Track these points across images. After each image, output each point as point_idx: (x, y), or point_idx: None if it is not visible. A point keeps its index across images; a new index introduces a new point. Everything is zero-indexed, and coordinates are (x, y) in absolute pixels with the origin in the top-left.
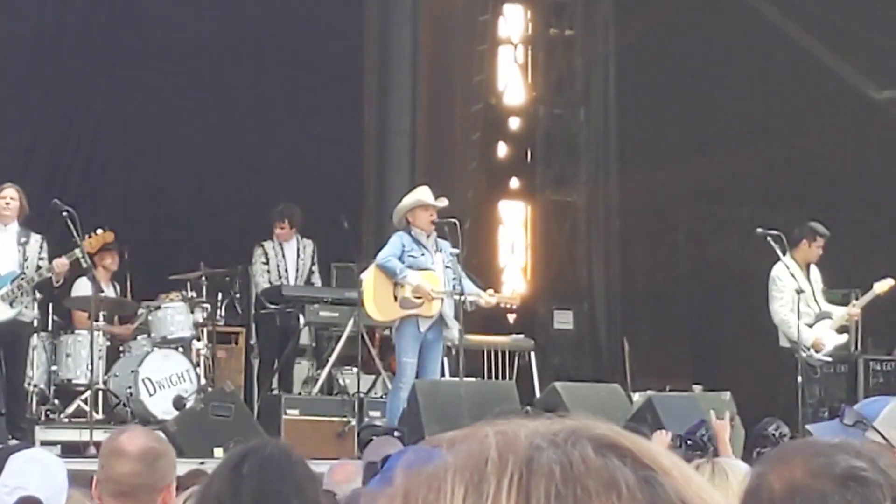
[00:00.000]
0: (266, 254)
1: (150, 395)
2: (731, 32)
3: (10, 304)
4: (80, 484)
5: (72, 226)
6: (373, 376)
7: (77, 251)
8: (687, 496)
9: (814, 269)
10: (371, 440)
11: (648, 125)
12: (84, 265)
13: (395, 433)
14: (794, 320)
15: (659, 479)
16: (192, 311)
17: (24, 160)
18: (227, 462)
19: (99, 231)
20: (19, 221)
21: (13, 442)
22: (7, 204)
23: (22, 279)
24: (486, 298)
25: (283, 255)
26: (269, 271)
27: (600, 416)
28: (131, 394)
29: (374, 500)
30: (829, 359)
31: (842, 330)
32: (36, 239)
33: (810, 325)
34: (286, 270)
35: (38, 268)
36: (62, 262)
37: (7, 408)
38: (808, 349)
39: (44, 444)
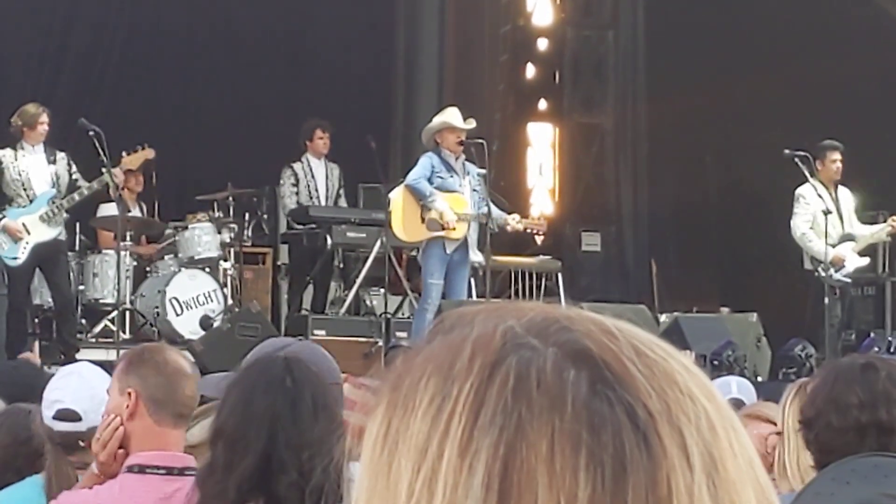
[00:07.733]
0: (295, 174)
1: (177, 315)
2: None
3: (49, 225)
4: None
5: (98, 145)
6: (399, 297)
7: (104, 170)
8: (650, 408)
9: (844, 192)
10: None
11: (677, 48)
12: (111, 184)
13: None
14: (814, 236)
15: (617, 396)
16: (220, 232)
17: (52, 79)
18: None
19: (139, 148)
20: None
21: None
22: (46, 129)
23: (57, 198)
24: (513, 224)
25: (313, 176)
26: (297, 192)
27: None
28: (158, 314)
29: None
30: (849, 280)
31: (864, 253)
32: (62, 157)
33: (833, 246)
34: (316, 190)
35: (75, 181)
36: (120, 173)
37: (58, 325)
38: (829, 268)
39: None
